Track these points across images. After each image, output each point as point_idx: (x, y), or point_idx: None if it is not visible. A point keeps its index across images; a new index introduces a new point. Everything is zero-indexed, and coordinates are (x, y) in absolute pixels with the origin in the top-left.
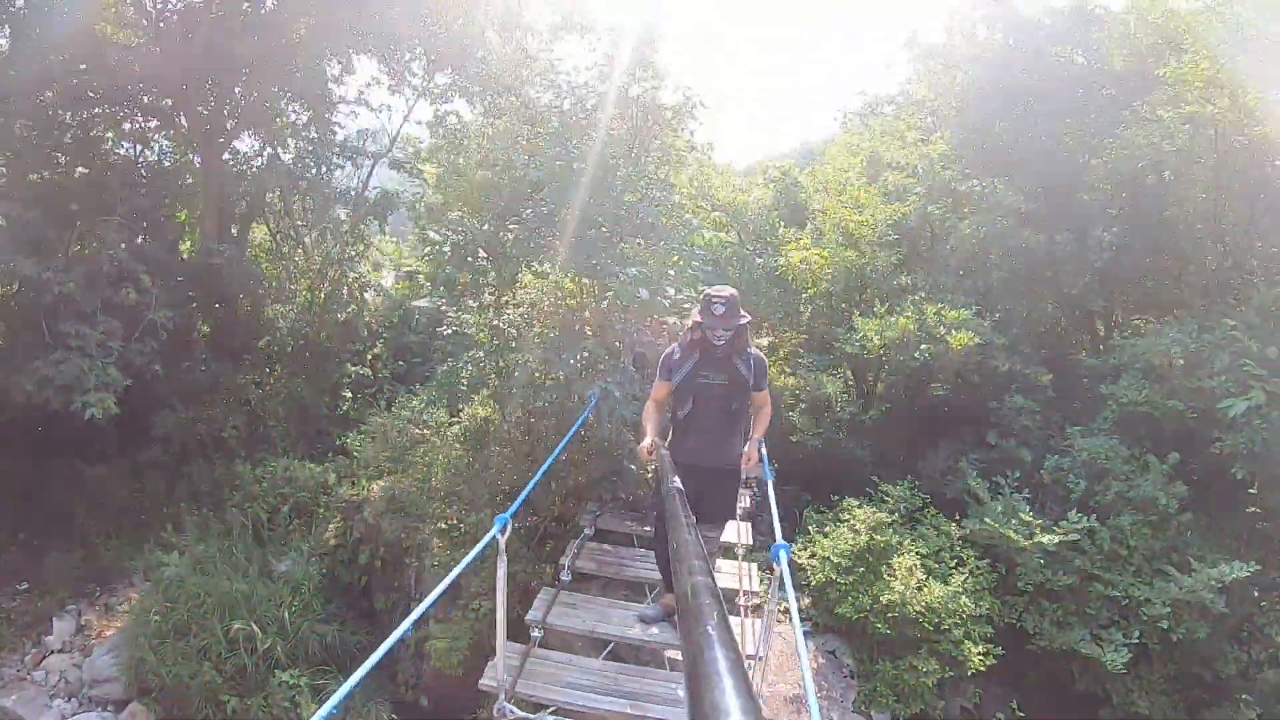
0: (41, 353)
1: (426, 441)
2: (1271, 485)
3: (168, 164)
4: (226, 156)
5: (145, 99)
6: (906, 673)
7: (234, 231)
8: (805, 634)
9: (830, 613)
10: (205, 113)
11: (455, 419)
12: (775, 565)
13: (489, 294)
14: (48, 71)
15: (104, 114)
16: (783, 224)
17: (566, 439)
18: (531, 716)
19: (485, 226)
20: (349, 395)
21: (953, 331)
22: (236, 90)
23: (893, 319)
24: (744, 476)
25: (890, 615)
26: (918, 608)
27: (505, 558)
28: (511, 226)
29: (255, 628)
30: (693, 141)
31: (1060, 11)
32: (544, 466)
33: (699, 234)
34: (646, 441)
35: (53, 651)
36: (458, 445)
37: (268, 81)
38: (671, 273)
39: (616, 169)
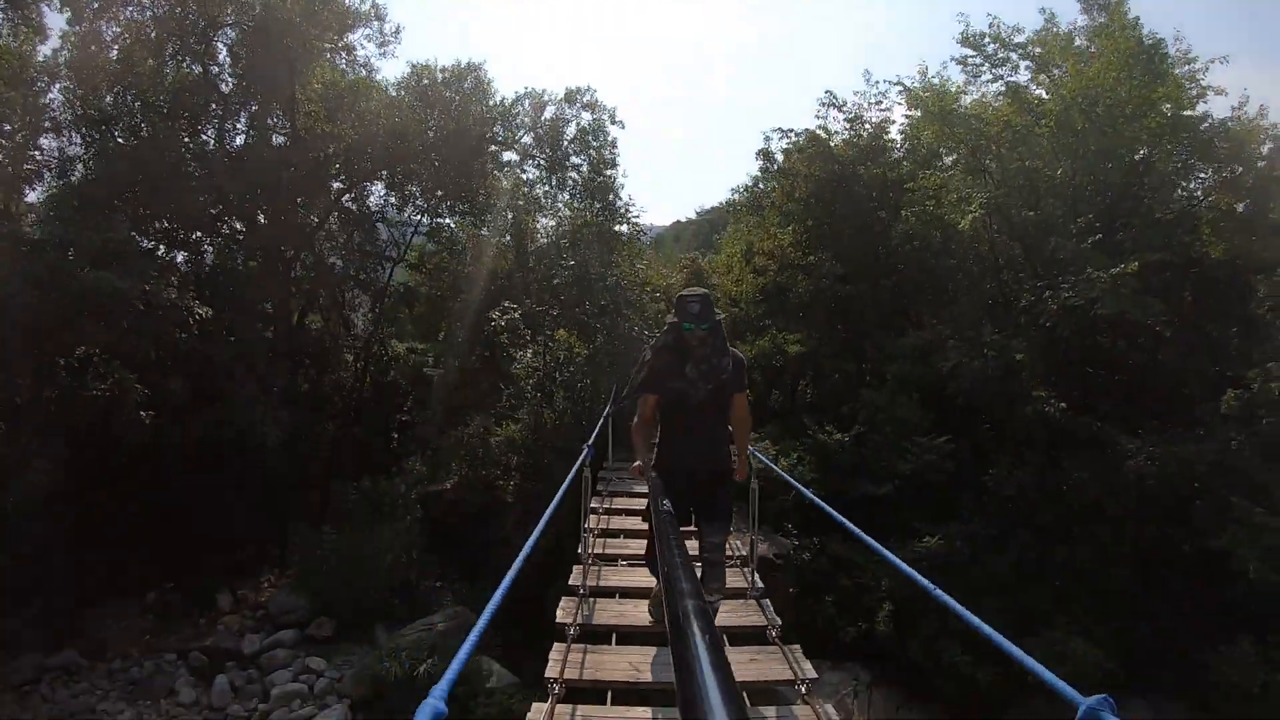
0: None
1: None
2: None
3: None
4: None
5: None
6: None
7: (294, 320)
8: None
9: None
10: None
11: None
12: None
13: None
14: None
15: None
16: None
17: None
18: None
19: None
20: (396, 435)
21: (791, 345)
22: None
23: (759, 340)
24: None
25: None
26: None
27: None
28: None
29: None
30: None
31: (859, 145)
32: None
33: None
34: (638, 462)
35: (225, 614)
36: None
37: (310, 200)
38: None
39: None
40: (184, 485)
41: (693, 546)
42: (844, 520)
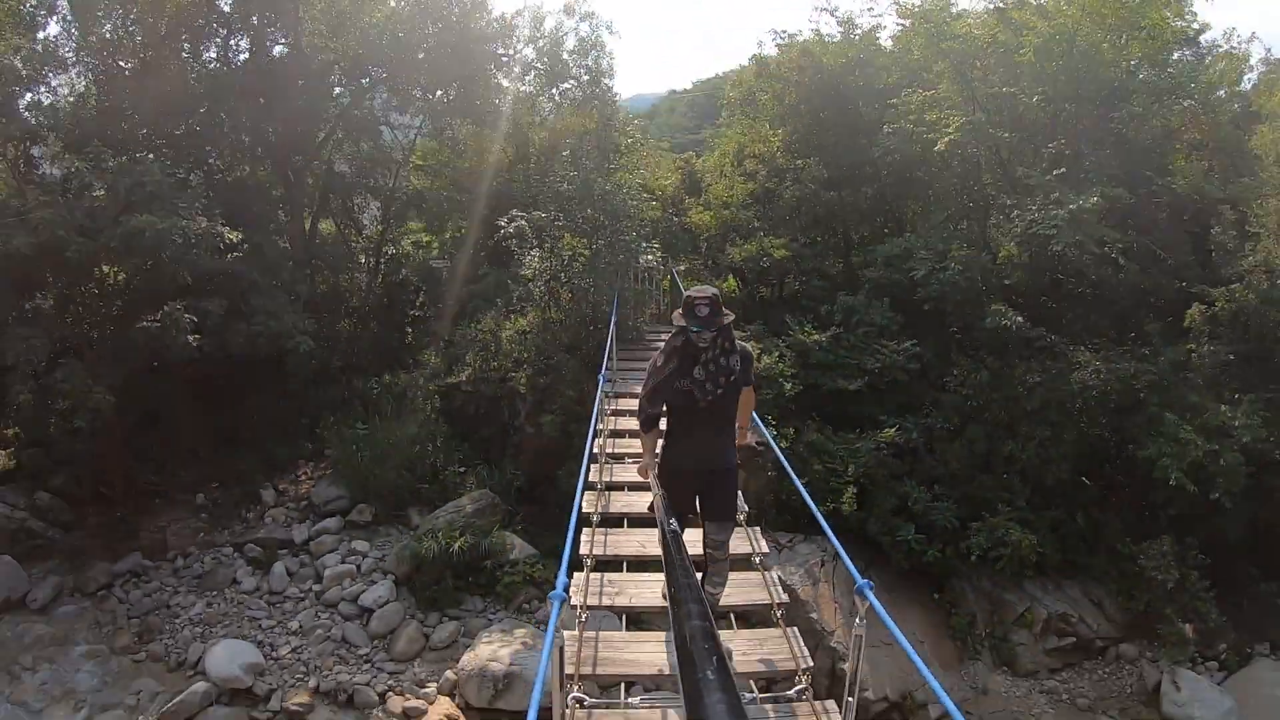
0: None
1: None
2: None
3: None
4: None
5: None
6: None
7: (306, 228)
8: None
9: None
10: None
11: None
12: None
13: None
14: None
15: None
16: (687, 197)
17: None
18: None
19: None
20: (410, 330)
21: (777, 250)
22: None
23: (747, 245)
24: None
25: None
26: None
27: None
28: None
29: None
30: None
31: (846, 55)
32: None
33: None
34: (645, 462)
35: (269, 508)
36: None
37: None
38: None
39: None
40: (218, 390)
41: (696, 535)
42: (812, 504)
